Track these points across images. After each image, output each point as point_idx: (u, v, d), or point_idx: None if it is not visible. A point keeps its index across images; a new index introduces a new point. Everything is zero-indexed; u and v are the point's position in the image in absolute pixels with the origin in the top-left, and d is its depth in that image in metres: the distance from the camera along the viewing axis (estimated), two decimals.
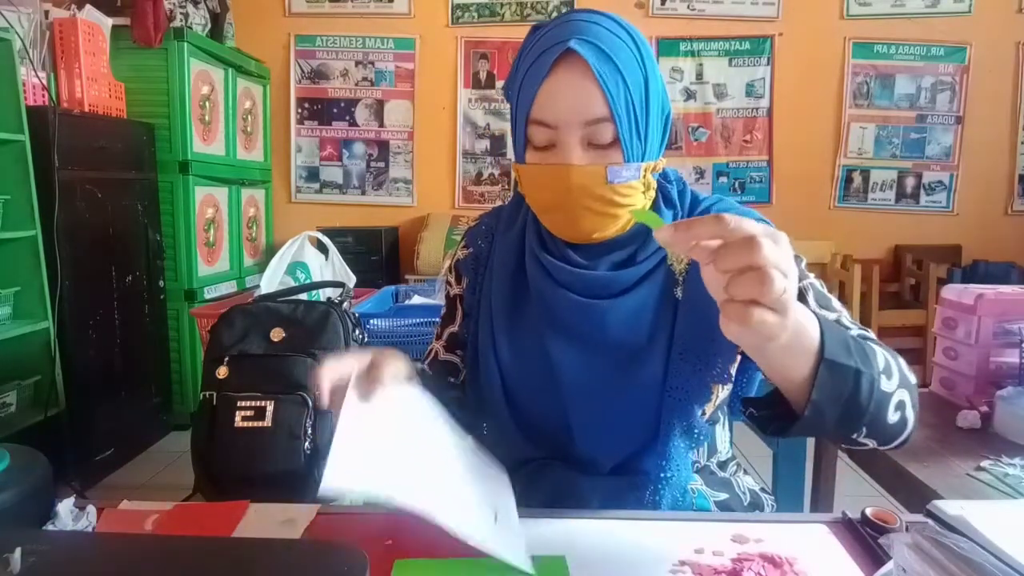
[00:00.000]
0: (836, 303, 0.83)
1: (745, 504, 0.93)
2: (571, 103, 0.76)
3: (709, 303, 0.81)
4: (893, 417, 0.69)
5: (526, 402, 0.90)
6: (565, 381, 0.85)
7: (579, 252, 0.86)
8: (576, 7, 3.83)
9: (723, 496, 0.91)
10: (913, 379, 0.73)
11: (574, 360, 0.85)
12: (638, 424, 0.85)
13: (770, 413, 0.71)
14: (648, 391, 0.84)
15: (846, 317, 0.81)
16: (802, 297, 0.80)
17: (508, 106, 0.86)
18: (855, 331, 0.77)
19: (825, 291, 0.84)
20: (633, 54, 0.78)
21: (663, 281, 0.85)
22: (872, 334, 0.78)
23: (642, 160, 0.80)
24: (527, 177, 0.83)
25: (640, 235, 0.85)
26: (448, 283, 1.03)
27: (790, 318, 0.54)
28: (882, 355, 0.69)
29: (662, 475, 0.84)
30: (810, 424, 0.65)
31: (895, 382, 0.68)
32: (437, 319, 1.05)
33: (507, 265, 0.92)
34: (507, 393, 0.90)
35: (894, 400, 0.68)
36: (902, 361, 0.73)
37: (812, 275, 0.85)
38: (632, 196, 0.80)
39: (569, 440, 0.87)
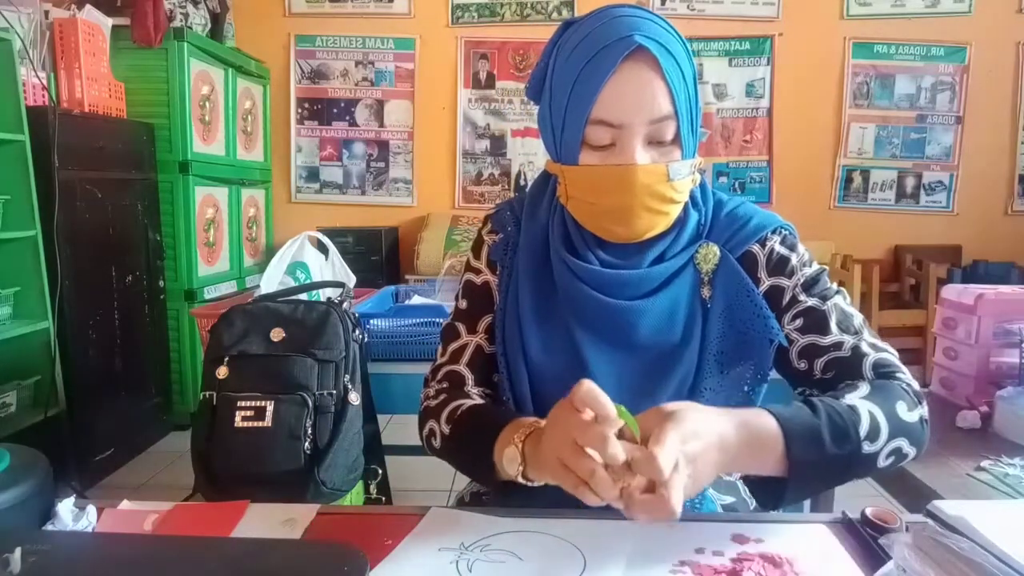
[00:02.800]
0: (857, 321, 0.84)
1: (751, 508, 0.92)
2: (638, 102, 0.74)
3: (738, 304, 0.83)
4: (885, 463, 0.73)
5: (554, 401, 0.88)
6: (599, 382, 0.83)
7: (612, 252, 0.84)
8: (579, 7, 3.83)
9: (730, 499, 0.91)
10: (913, 415, 0.75)
11: (608, 361, 0.85)
12: None
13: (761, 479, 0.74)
14: (679, 393, 0.84)
15: (866, 339, 0.82)
16: (824, 321, 0.82)
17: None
18: (870, 361, 0.80)
19: (848, 308, 0.85)
20: (684, 50, 0.78)
21: (691, 281, 0.85)
22: (889, 355, 0.81)
23: (692, 156, 0.81)
24: (582, 179, 0.80)
25: (672, 230, 0.85)
26: (472, 271, 0.96)
27: (703, 484, 0.64)
28: (868, 417, 0.71)
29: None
30: (798, 498, 0.73)
31: (883, 438, 0.72)
32: (438, 319, 1.03)
33: (534, 257, 0.90)
34: (534, 392, 0.87)
35: (884, 452, 0.72)
36: (900, 404, 0.74)
37: (835, 291, 0.86)
38: (685, 192, 0.81)
39: None
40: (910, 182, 3.98)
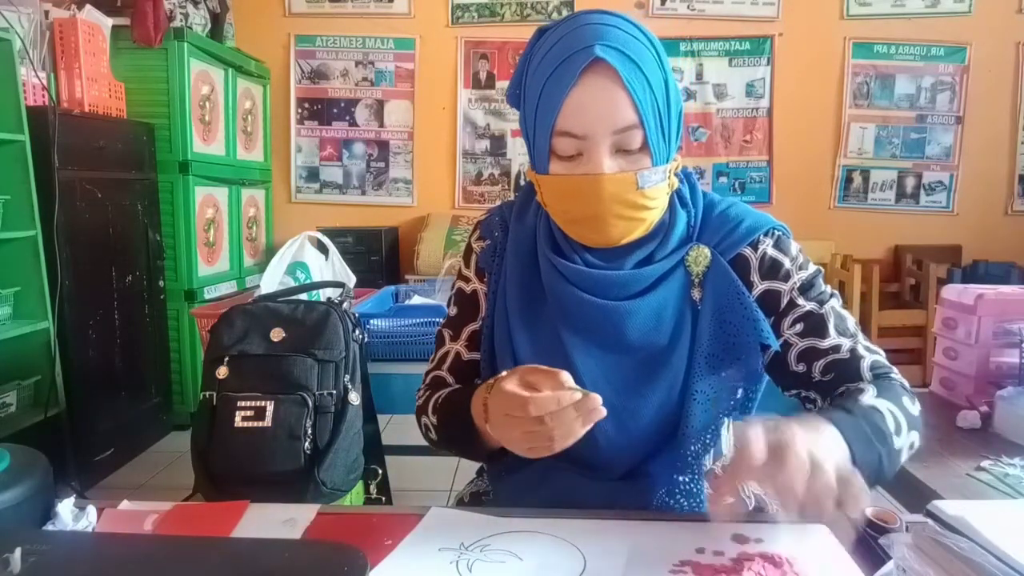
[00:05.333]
0: (851, 324, 0.85)
1: (750, 508, 0.92)
2: (601, 113, 0.74)
3: (729, 307, 0.84)
4: (907, 456, 0.77)
5: None
6: (588, 385, 0.83)
7: (597, 254, 0.84)
8: (578, 7, 3.83)
9: (729, 500, 0.90)
10: (916, 409, 0.78)
11: (596, 363, 0.84)
12: (657, 429, 0.84)
13: None
14: (670, 395, 0.84)
15: (861, 342, 0.84)
16: (823, 325, 0.83)
17: (510, 108, 0.84)
18: (867, 363, 0.82)
19: (843, 311, 0.86)
20: (653, 56, 0.77)
21: (681, 282, 0.85)
22: (881, 357, 0.83)
23: (667, 161, 0.80)
24: (552, 188, 0.81)
25: (659, 232, 0.85)
26: (462, 278, 0.98)
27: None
28: (890, 415, 0.74)
29: (679, 481, 0.84)
30: None
31: (904, 431, 0.74)
32: (438, 319, 1.03)
33: (521, 261, 0.90)
34: None
35: (906, 446, 0.75)
36: (905, 399, 0.77)
37: (830, 293, 0.87)
38: (659, 198, 0.80)
39: (587, 445, 0.85)
40: (910, 182, 3.97)
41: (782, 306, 0.85)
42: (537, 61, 0.79)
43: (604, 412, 0.67)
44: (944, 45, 3.85)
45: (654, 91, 0.76)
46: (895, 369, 0.83)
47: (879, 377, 0.81)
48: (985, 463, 1.05)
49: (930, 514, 0.75)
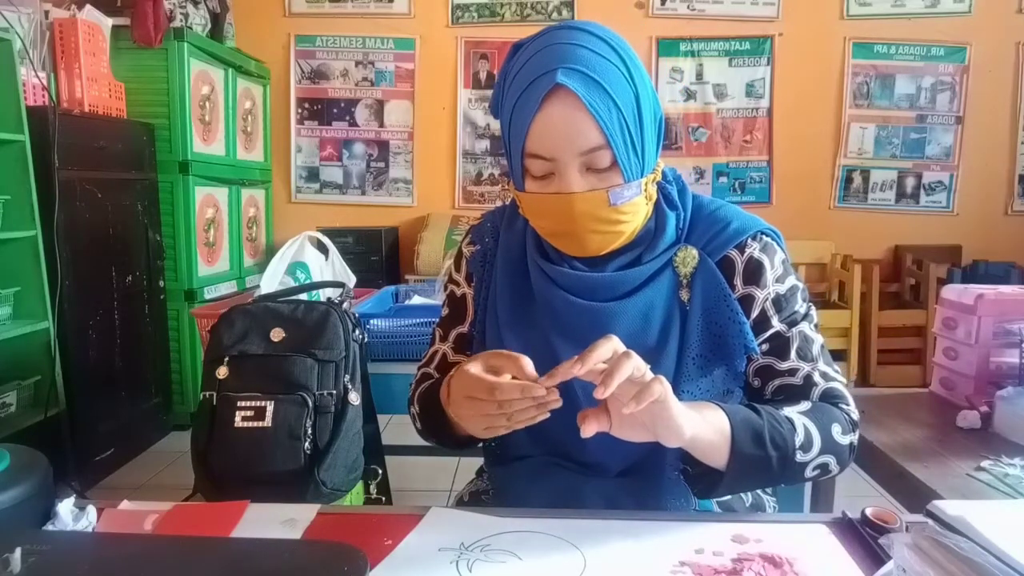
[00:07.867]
0: (816, 348, 0.86)
1: (747, 505, 0.93)
2: (564, 137, 0.75)
3: (716, 308, 0.84)
4: (812, 473, 0.80)
5: None
6: (577, 387, 0.83)
7: (584, 259, 0.85)
8: (578, 8, 3.83)
9: (725, 497, 0.91)
10: (845, 439, 0.81)
11: None
12: None
13: (699, 471, 0.79)
14: None
15: (820, 368, 0.85)
16: (786, 347, 0.85)
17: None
18: (819, 390, 0.84)
19: (811, 333, 0.86)
20: (621, 72, 0.77)
21: (669, 284, 0.85)
22: (838, 385, 0.85)
23: (641, 175, 0.80)
24: (529, 205, 0.83)
25: (646, 237, 0.85)
26: (453, 282, 1.00)
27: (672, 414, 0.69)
28: (803, 429, 0.78)
29: (674, 480, 0.84)
30: (728, 491, 0.80)
31: (815, 451, 0.78)
32: (437, 319, 1.04)
33: (511, 263, 0.92)
34: None
35: (812, 464, 0.79)
36: (835, 426, 0.80)
37: (803, 314, 0.87)
38: (635, 211, 0.81)
39: (577, 443, 0.85)
40: (910, 182, 3.97)
41: (753, 315, 0.85)
42: (509, 81, 0.80)
43: (560, 402, 0.69)
44: (944, 45, 3.85)
45: (621, 110, 0.76)
46: (849, 400, 0.85)
47: (825, 400, 0.84)
48: (985, 463, 1.05)
49: (930, 514, 0.75)
